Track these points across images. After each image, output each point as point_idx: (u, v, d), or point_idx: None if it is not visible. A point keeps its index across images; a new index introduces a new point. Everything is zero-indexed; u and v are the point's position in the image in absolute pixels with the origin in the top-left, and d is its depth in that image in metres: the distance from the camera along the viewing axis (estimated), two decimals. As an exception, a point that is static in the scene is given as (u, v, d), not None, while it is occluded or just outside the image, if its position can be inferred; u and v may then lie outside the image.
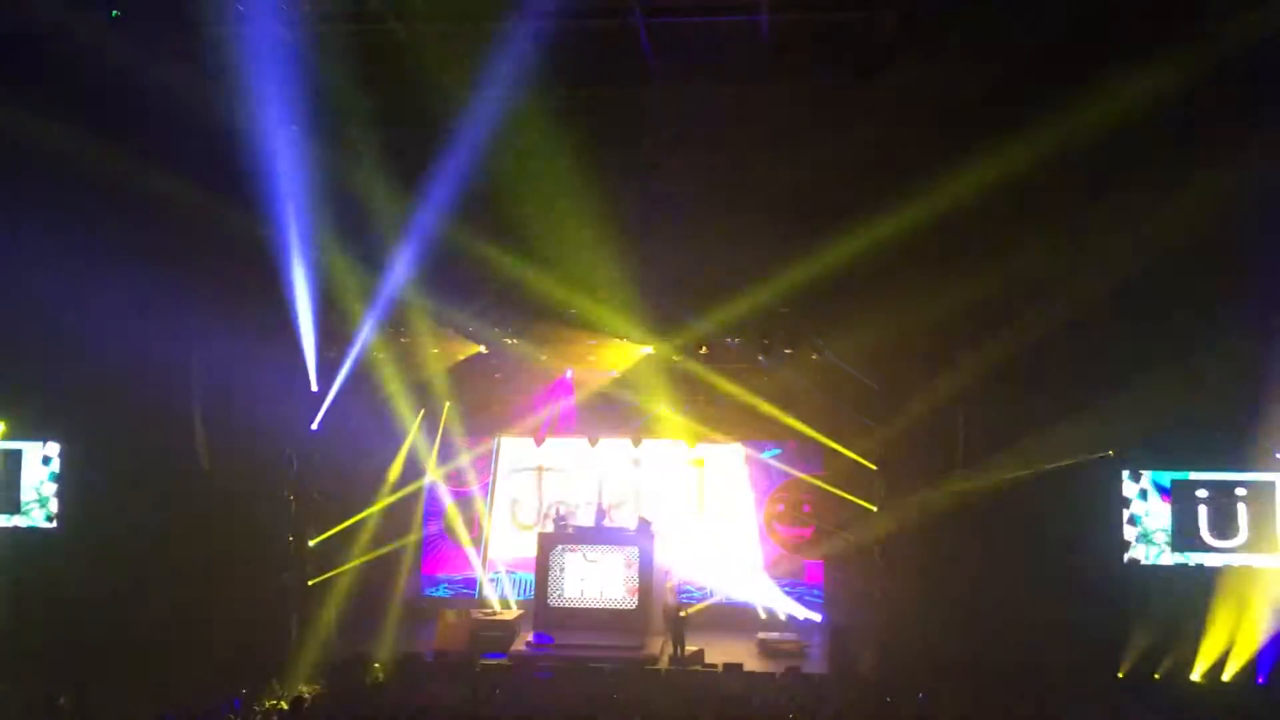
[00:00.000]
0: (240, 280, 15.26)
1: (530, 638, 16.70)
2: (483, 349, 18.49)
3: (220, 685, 13.06)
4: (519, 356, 18.83)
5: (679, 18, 11.80)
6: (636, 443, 19.83)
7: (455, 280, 16.27)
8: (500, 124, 13.92)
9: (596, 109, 13.68)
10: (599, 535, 17.88)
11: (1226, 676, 14.48)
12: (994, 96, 13.03)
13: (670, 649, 16.43)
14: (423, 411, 19.80)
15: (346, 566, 17.74)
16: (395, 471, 19.36)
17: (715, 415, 19.16)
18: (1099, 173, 13.42)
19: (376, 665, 15.22)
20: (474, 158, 14.19)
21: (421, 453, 20.15)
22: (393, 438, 19.31)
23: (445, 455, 20.39)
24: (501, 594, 19.65)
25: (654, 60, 12.56)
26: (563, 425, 19.83)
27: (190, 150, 13.23)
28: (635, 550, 17.32)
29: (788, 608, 19.08)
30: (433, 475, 20.20)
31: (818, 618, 18.52)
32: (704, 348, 17.53)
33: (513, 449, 20.40)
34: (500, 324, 17.81)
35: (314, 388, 16.25)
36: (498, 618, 17.48)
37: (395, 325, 17.13)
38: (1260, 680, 14.43)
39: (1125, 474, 15.61)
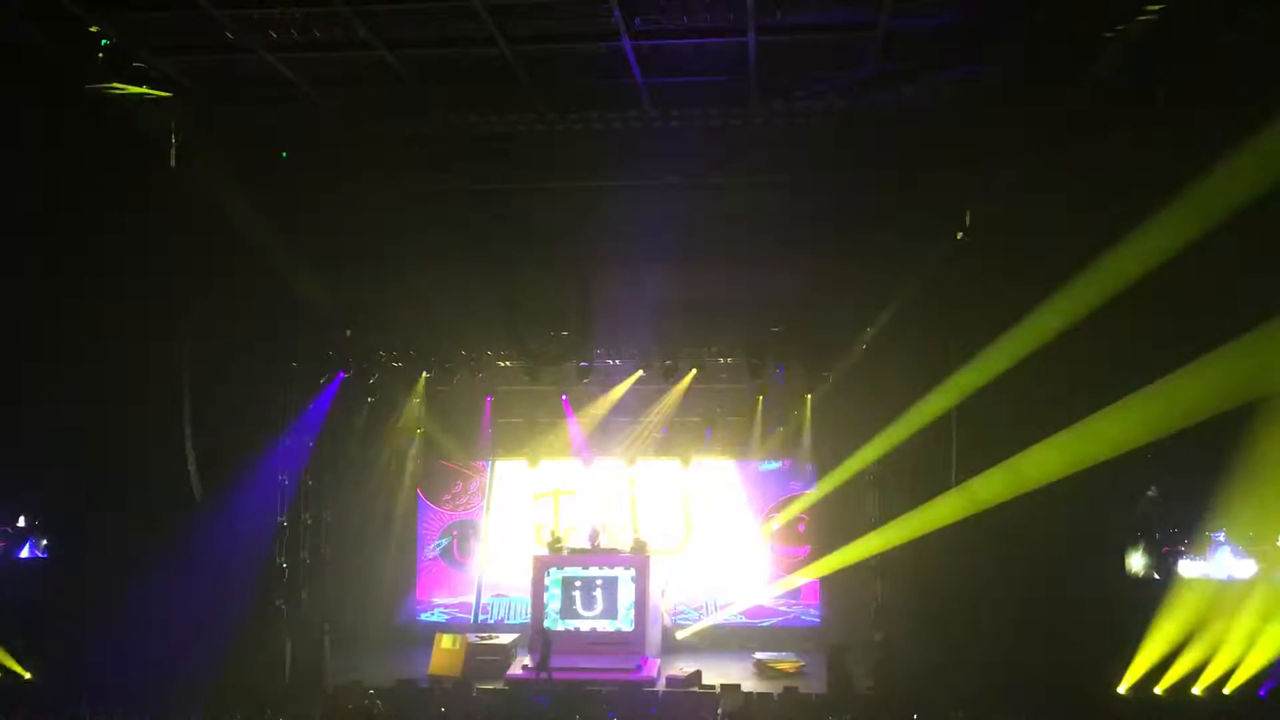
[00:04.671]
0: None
1: (528, 661, 16.62)
2: (479, 375, 18.56)
3: (214, 711, 12.99)
4: (513, 380, 18.91)
5: (667, 40, 11.83)
6: (630, 463, 19.81)
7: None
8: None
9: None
10: (593, 557, 17.81)
11: (1228, 690, 14.40)
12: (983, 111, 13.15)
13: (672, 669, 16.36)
14: (420, 430, 19.82)
15: (339, 590, 17.69)
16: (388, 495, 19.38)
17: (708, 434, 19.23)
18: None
19: (371, 691, 15.12)
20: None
21: (417, 476, 20.16)
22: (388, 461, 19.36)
23: (441, 478, 20.38)
24: (497, 617, 19.57)
25: (642, 82, 12.58)
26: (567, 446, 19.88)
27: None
28: (630, 571, 17.26)
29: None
30: (428, 498, 20.21)
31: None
32: (696, 369, 17.60)
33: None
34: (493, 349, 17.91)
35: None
36: (493, 641, 17.39)
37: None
38: (1261, 694, 14.36)
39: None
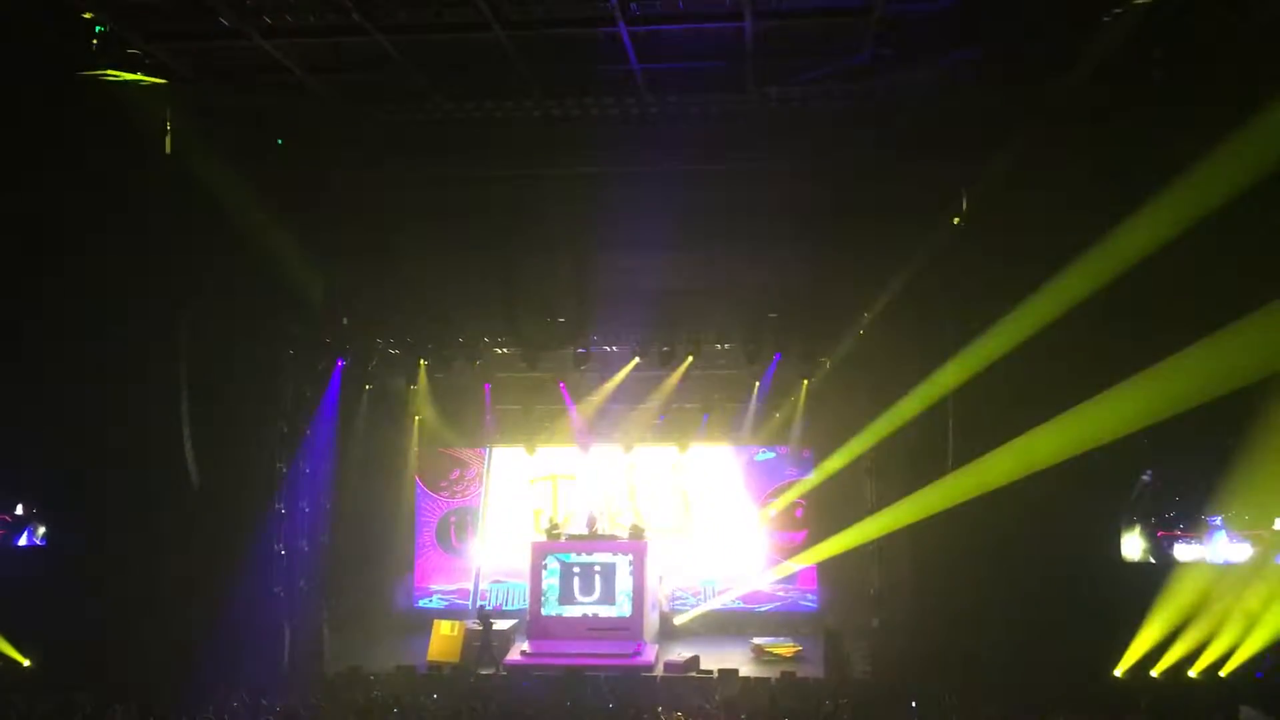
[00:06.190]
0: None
1: (526, 647, 16.69)
2: (476, 363, 18.55)
3: (213, 698, 13.01)
4: (510, 367, 18.90)
5: (663, 25, 11.79)
6: (628, 449, 19.83)
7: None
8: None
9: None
10: (591, 543, 17.85)
11: (1224, 672, 14.45)
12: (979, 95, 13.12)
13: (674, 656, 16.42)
14: (418, 417, 19.82)
15: (338, 577, 17.71)
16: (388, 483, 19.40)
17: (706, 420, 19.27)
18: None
19: (371, 677, 15.17)
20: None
21: (414, 461, 20.17)
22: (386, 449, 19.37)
23: (439, 465, 20.40)
24: (495, 604, 19.61)
25: (638, 68, 12.55)
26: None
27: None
28: (628, 557, 17.31)
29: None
30: (426, 485, 20.25)
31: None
32: (691, 355, 17.58)
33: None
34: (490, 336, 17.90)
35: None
36: (492, 628, 17.42)
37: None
38: (1259, 674, 14.40)
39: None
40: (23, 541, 16.91)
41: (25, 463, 16.17)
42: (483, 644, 16.25)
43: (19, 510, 16.83)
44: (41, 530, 16.82)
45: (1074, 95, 12.65)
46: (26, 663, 15.36)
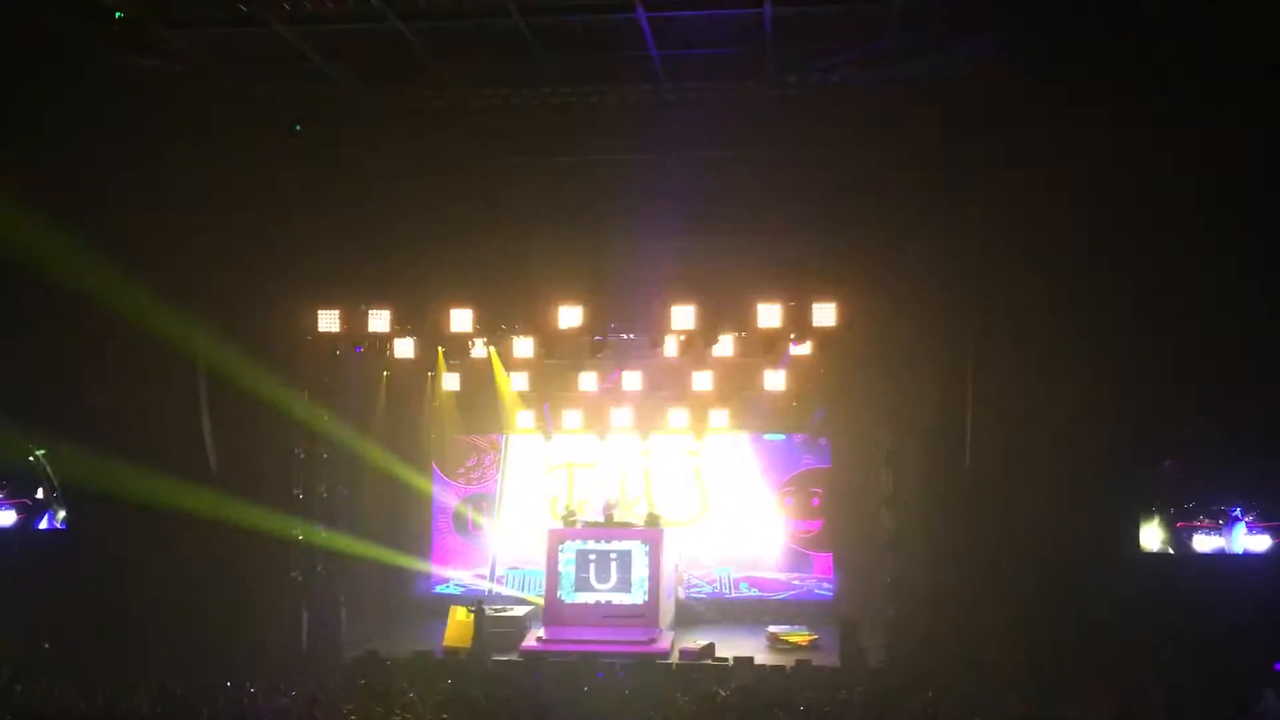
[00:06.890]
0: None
1: (541, 633, 16.73)
2: (491, 349, 18.52)
3: (230, 681, 13.09)
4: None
5: (682, 11, 11.75)
6: (644, 436, 19.81)
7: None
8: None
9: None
10: (607, 530, 17.87)
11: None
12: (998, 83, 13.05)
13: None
14: (436, 405, 19.84)
15: (355, 563, 17.79)
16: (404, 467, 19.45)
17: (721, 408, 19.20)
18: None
19: (388, 662, 15.24)
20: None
21: (432, 448, 20.20)
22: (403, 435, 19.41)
23: (456, 452, 20.43)
24: (511, 590, 19.65)
25: (656, 55, 12.52)
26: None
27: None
28: (644, 545, 17.32)
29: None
30: (443, 472, 20.29)
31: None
32: (709, 343, 17.51)
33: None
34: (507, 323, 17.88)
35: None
36: (507, 614, 17.48)
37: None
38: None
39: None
40: (43, 525, 17.03)
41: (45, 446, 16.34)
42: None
43: (39, 494, 16.93)
44: (61, 514, 16.91)
45: (1095, 83, 12.58)
46: (46, 645, 15.47)
